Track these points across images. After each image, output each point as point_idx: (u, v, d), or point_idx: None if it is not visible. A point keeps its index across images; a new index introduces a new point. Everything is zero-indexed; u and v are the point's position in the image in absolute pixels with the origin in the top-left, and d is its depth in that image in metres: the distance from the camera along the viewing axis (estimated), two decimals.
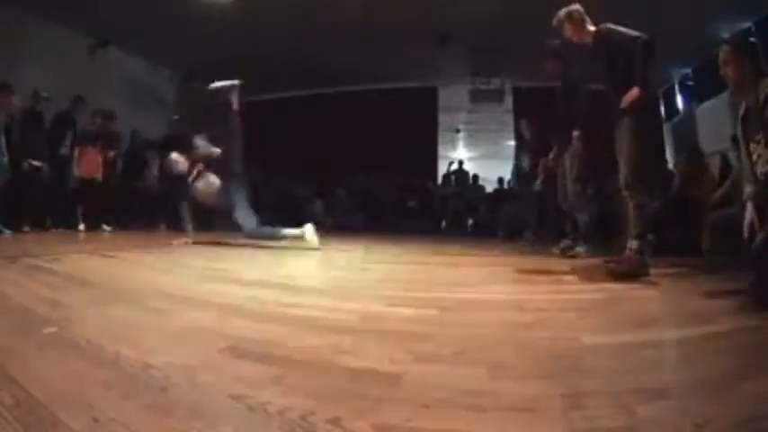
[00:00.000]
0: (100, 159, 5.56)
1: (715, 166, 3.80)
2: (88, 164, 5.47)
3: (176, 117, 6.53)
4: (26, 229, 4.70)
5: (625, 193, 2.44)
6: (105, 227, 5.46)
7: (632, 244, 2.35)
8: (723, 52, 2.00)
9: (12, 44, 5.51)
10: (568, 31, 2.73)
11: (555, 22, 2.77)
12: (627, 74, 2.41)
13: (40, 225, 4.95)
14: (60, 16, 5.93)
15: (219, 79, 4.06)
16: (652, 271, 2.33)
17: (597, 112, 3.32)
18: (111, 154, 5.85)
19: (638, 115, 2.40)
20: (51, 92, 5.15)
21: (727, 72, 1.96)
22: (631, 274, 2.23)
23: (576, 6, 2.73)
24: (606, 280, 2.22)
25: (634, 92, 2.34)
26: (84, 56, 6.57)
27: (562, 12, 2.74)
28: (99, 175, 5.52)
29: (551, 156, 3.95)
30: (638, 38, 2.38)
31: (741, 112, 1.96)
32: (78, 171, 5.41)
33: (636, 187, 2.40)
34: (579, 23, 2.70)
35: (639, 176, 2.40)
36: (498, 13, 5.73)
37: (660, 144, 6.65)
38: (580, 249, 3.50)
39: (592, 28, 2.66)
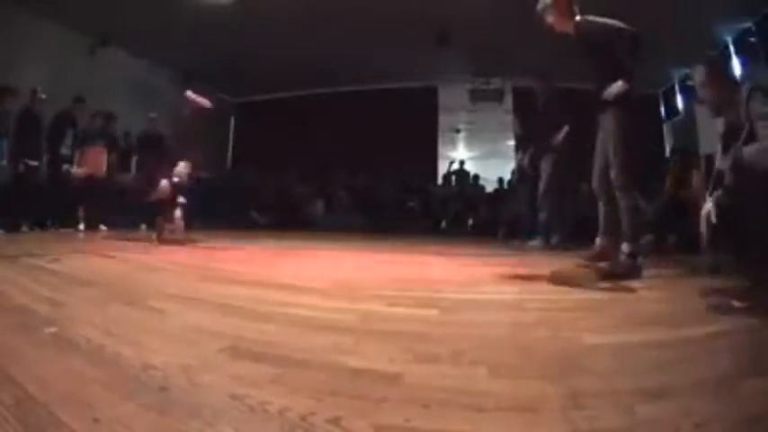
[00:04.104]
0: (105, 157, 5.56)
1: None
2: (92, 160, 5.46)
3: (153, 115, 6.41)
4: (26, 229, 4.69)
5: (618, 194, 2.37)
6: (102, 227, 5.45)
7: (625, 247, 2.32)
8: (699, 73, 2.01)
9: (12, 44, 5.50)
10: (551, 18, 2.50)
11: (539, 6, 2.55)
12: (609, 68, 2.32)
13: (40, 225, 4.95)
14: (60, 16, 5.92)
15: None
16: (652, 271, 2.33)
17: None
18: (112, 155, 5.83)
19: (623, 112, 2.32)
20: (51, 92, 5.13)
21: (705, 94, 1.98)
22: (624, 276, 2.20)
23: None
24: (604, 280, 2.21)
25: (619, 84, 2.25)
26: (84, 56, 6.56)
27: None
28: (102, 172, 5.50)
29: (527, 159, 4.42)
30: (622, 29, 2.27)
31: (721, 130, 1.96)
32: (81, 169, 5.39)
33: (627, 188, 2.35)
34: (565, 11, 2.47)
35: (630, 177, 2.35)
36: (498, 13, 5.72)
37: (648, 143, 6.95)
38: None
39: (578, 18, 2.47)
